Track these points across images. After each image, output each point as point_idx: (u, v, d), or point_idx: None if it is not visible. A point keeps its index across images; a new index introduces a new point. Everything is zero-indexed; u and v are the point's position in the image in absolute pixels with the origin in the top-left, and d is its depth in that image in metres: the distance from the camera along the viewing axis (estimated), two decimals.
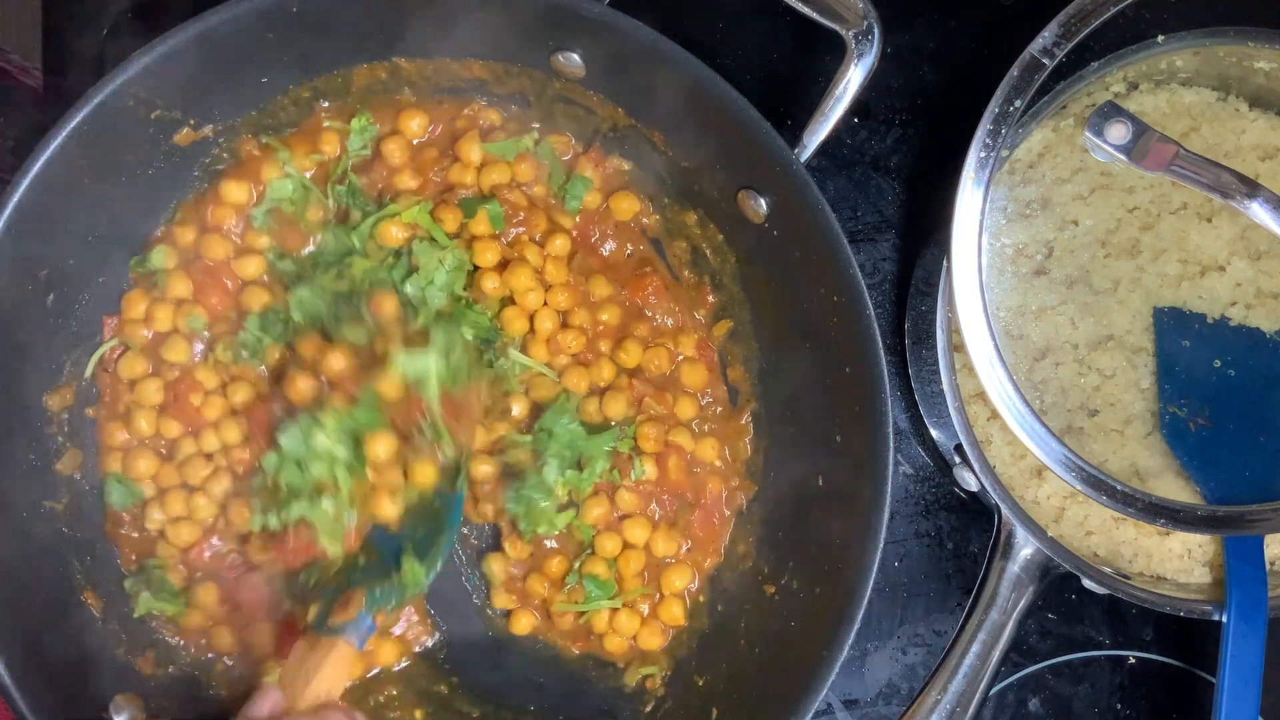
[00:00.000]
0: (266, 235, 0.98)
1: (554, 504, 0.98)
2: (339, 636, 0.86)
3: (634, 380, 1.00)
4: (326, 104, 0.98)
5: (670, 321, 1.02)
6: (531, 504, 0.97)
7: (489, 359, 0.99)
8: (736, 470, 1.02)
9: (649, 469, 0.99)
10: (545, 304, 1.00)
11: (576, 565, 0.99)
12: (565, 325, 1.01)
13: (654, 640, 1.00)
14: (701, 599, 1.01)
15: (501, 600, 1.02)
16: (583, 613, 1.00)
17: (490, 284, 0.98)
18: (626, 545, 1.00)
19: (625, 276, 1.02)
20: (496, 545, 1.02)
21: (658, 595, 1.01)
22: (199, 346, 0.98)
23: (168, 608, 0.95)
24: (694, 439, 1.01)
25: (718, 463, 1.01)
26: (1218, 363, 0.95)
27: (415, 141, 1.01)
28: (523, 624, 1.01)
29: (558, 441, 0.98)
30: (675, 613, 1.00)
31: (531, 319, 1.00)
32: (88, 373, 0.96)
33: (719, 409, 1.02)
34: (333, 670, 0.85)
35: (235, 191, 0.98)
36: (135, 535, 0.97)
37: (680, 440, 1.00)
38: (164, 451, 0.98)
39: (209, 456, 0.97)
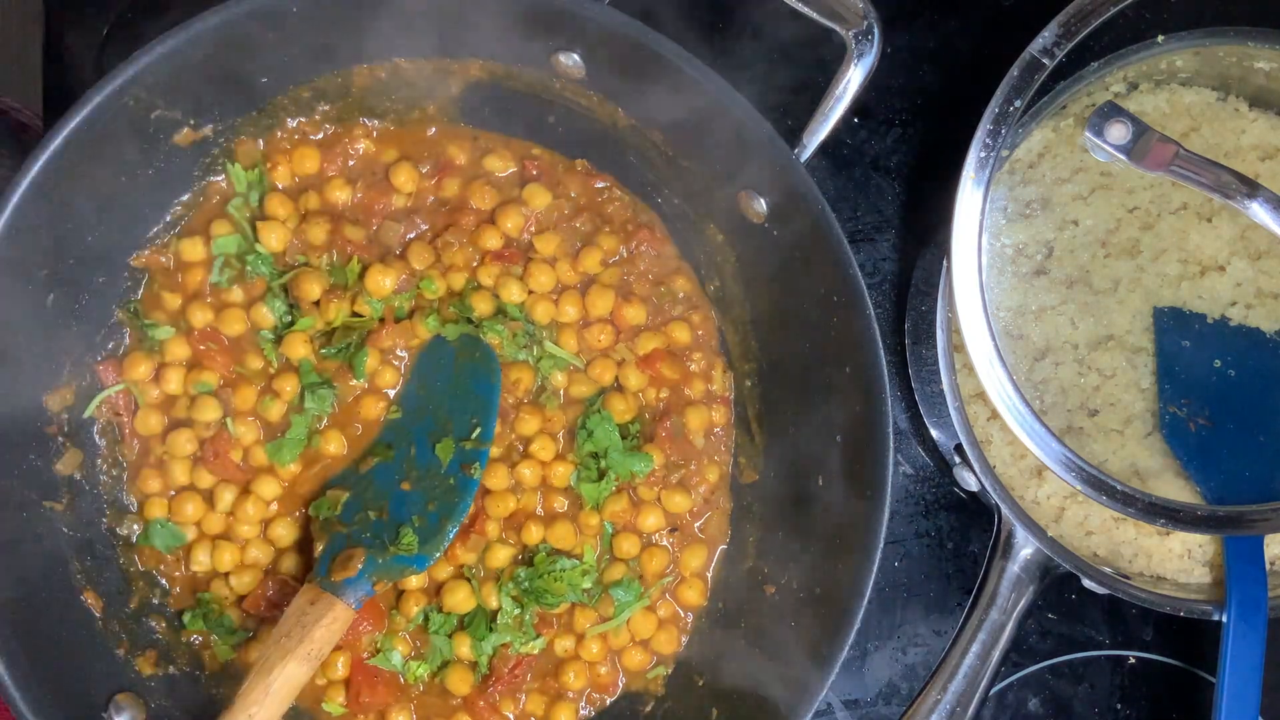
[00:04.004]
0: (237, 288, 0.97)
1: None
2: (339, 597, 0.87)
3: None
4: (326, 106, 0.98)
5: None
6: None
7: (527, 351, 1.00)
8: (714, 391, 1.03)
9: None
10: (563, 288, 1.01)
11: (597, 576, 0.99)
12: (589, 322, 1.01)
13: (670, 644, 1.00)
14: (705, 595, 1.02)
15: None
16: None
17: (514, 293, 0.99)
18: (645, 543, 1.00)
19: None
20: None
21: (678, 577, 1.00)
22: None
23: (222, 645, 0.96)
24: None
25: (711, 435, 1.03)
26: (1218, 363, 0.95)
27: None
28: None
29: (595, 443, 0.98)
30: (695, 594, 1.00)
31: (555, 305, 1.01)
32: (86, 413, 0.95)
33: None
34: (326, 630, 0.86)
35: (191, 250, 0.97)
36: (179, 573, 0.98)
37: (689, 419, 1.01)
38: (208, 500, 0.97)
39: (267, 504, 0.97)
